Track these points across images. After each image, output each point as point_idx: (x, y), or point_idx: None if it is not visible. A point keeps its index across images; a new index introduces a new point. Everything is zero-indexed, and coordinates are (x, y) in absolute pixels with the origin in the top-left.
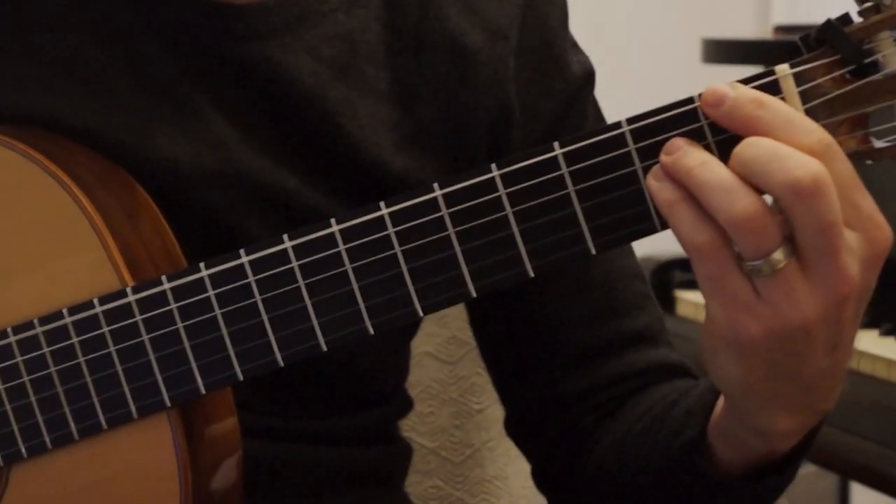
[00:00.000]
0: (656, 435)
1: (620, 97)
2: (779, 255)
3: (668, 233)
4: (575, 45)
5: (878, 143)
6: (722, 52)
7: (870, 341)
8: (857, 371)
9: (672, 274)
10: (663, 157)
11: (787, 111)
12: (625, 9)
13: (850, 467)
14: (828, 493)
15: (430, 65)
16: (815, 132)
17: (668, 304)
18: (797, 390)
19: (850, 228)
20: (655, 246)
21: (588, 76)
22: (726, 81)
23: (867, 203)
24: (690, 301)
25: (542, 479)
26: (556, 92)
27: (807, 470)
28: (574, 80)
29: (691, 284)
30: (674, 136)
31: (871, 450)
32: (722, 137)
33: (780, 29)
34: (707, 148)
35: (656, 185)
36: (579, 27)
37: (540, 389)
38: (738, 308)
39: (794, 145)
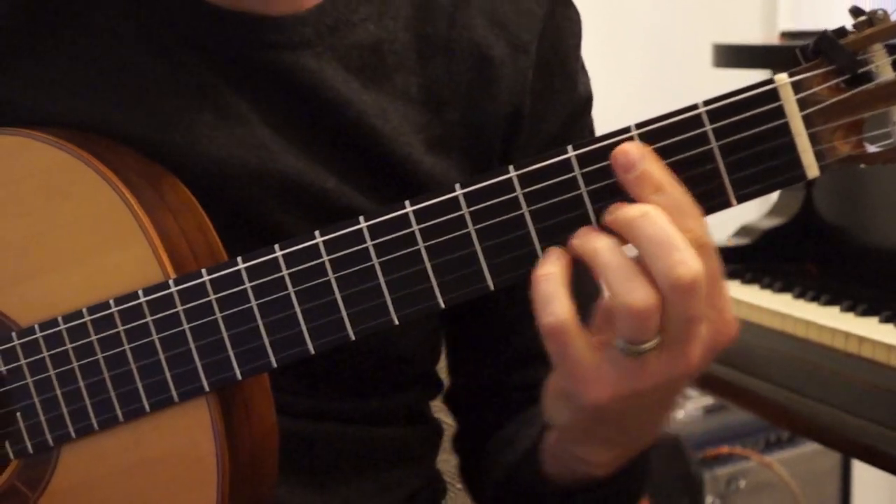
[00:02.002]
0: (516, 439)
1: (634, 99)
2: (654, 342)
3: None
4: (583, 66)
5: (872, 148)
6: (731, 56)
7: (870, 328)
8: (859, 356)
9: None
10: (572, 241)
11: (679, 201)
12: (639, 15)
13: (851, 446)
14: (830, 471)
15: (457, 72)
16: (692, 230)
17: None
18: (616, 432)
19: (710, 312)
20: None
21: (589, 98)
22: (639, 148)
23: (724, 300)
24: None
25: (457, 443)
26: (562, 107)
27: (811, 448)
28: (578, 100)
29: None
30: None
31: (871, 430)
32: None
33: (786, 35)
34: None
35: (542, 262)
36: (596, 33)
37: (485, 374)
38: (589, 379)
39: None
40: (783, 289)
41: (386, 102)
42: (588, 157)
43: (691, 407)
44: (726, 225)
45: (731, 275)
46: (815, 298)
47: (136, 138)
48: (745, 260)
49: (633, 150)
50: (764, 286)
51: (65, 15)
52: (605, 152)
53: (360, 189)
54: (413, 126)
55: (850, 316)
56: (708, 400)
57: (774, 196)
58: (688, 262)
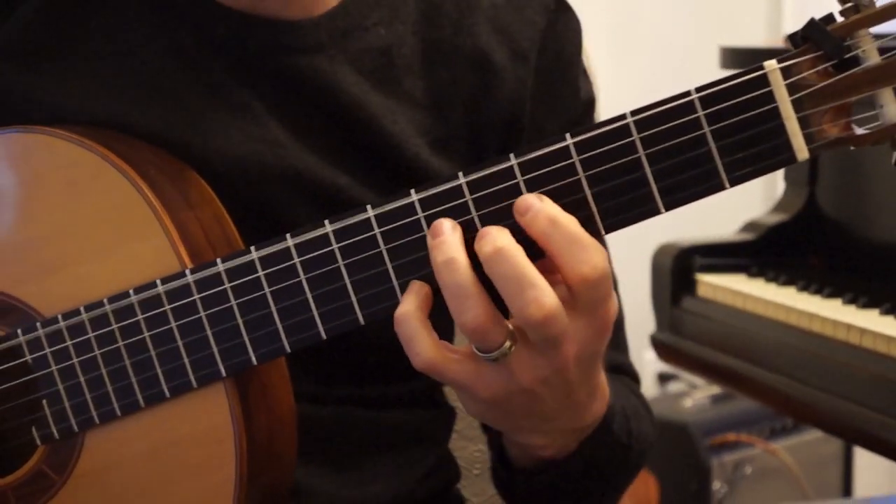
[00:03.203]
0: None
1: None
2: (506, 347)
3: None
4: (585, 72)
5: (860, 131)
6: (738, 58)
7: (871, 320)
8: (860, 346)
9: (693, 259)
10: (428, 240)
11: (574, 234)
12: (649, 18)
13: (853, 433)
14: (833, 457)
15: (461, 76)
16: (590, 261)
17: (690, 286)
18: (538, 422)
19: (582, 318)
20: (678, 233)
21: (591, 102)
22: (535, 194)
23: (610, 305)
24: (710, 283)
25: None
26: (562, 112)
27: (814, 435)
28: (580, 105)
29: (710, 268)
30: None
31: (872, 417)
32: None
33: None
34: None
35: (402, 298)
36: (607, 36)
37: None
38: (463, 387)
39: (569, 265)
40: (787, 282)
41: (394, 104)
42: (585, 144)
43: (699, 396)
44: (733, 221)
45: (738, 269)
46: (818, 291)
47: (154, 136)
48: (751, 254)
49: (527, 198)
50: (769, 280)
51: (86, 17)
52: (603, 139)
53: (371, 186)
54: (419, 128)
55: (851, 308)
56: (715, 389)
57: (779, 193)
58: (539, 300)
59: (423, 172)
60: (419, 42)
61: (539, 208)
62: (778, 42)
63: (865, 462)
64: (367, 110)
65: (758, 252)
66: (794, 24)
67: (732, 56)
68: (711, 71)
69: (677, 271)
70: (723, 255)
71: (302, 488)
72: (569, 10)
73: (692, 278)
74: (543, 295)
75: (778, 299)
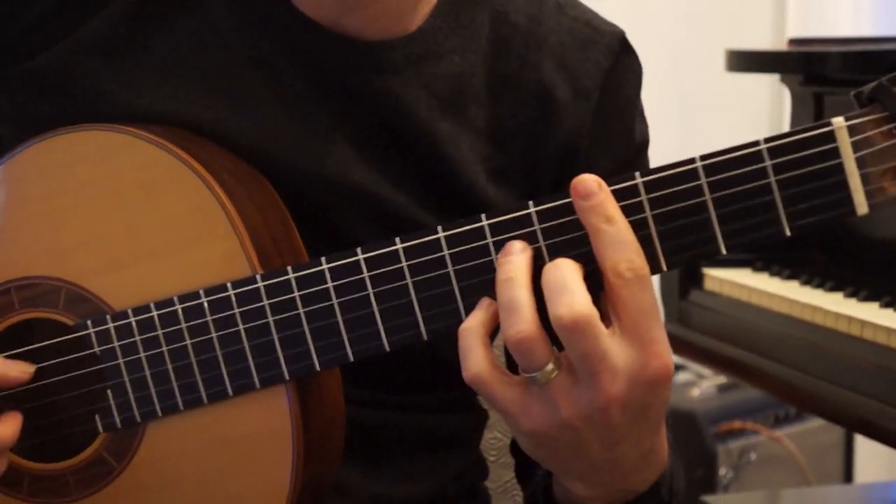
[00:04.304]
0: None
1: (654, 99)
2: (549, 369)
3: None
4: (642, 113)
5: None
6: (743, 61)
7: (871, 312)
8: (861, 338)
9: None
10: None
11: (624, 233)
12: (657, 22)
13: (854, 422)
14: (834, 444)
15: (523, 110)
16: (632, 260)
17: (697, 279)
18: (585, 469)
19: (628, 348)
20: None
21: (645, 144)
22: (597, 180)
23: (655, 332)
24: (716, 277)
25: (511, 447)
26: (617, 153)
27: (816, 423)
28: (634, 147)
29: (717, 262)
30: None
31: (872, 406)
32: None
33: (794, 41)
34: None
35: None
36: None
37: None
38: (509, 413)
39: (611, 261)
40: (791, 276)
41: (459, 131)
42: (654, 184)
43: (706, 385)
44: None
45: (743, 263)
46: (820, 285)
47: (228, 140)
48: (756, 250)
49: (591, 181)
50: (773, 274)
51: (171, 18)
52: (672, 180)
53: (428, 207)
54: (479, 156)
55: (852, 301)
56: (721, 379)
57: None
58: (571, 304)
59: (479, 199)
60: (487, 73)
61: (600, 200)
62: (781, 45)
63: (866, 449)
64: (432, 134)
65: (763, 247)
66: (797, 27)
67: (738, 59)
68: (717, 73)
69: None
70: None
71: (340, 485)
72: (632, 54)
73: (699, 272)
74: (576, 300)
75: (782, 293)
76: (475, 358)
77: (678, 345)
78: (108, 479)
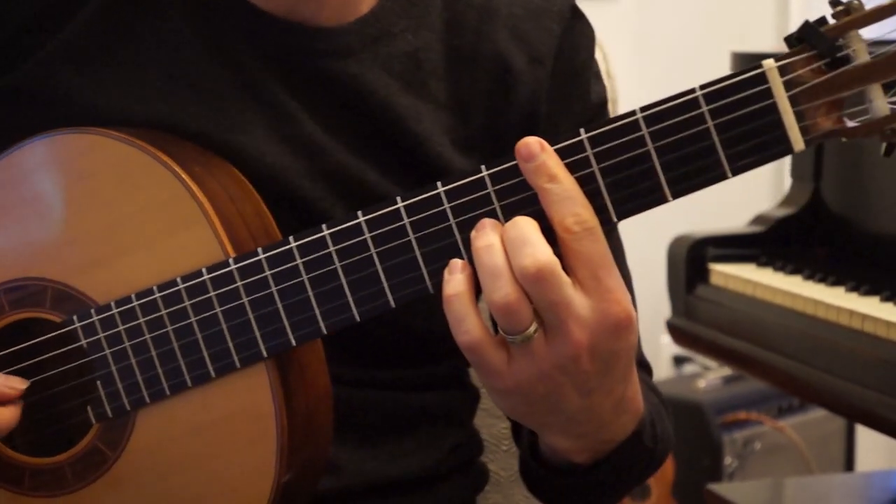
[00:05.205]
0: None
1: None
2: (531, 330)
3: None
4: (597, 74)
5: (851, 123)
6: (747, 63)
7: (872, 306)
8: (862, 331)
9: (706, 249)
10: (472, 232)
11: (570, 190)
12: (665, 25)
13: (855, 412)
14: (836, 434)
15: (481, 80)
16: (578, 214)
17: (703, 275)
18: (563, 420)
19: (588, 298)
20: (691, 226)
21: (603, 104)
22: (539, 142)
23: (611, 280)
24: (721, 272)
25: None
26: (576, 114)
27: (819, 414)
28: (591, 107)
29: (722, 258)
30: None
31: (872, 397)
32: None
33: None
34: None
35: (448, 278)
36: (628, 45)
37: None
38: (494, 373)
39: (559, 217)
40: (794, 271)
41: (420, 106)
42: (598, 139)
43: (712, 377)
44: (743, 214)
45: (748, 258)
46: (822, 280)
47: (198, 134)
48: (760, 245)
49: (533, 143)
50: (777, 269)
51: (135, 21)
52: (615, 133)
53: (398, 182)
54: (443, 128)
55: (853, 295)
56: (727, 371)
57: (786, 188)
58: (534, 255)
59: (447, 169)
60: (443, 48)
61: (542, 160)
62: (784, 47)
63: (866, 438)
64: (394, 111)
65: (766, 243)
66: None
67: (743, 61)
68: (723, 74)
69: (691, 261)
70: (734, 246)
71: (332, 464)
72: (582, 18)
73: (705, 267)
74: (538, 251)
75: (785, 287)
76: (470, 322)
77: (685, 338)
78: (104, 468)
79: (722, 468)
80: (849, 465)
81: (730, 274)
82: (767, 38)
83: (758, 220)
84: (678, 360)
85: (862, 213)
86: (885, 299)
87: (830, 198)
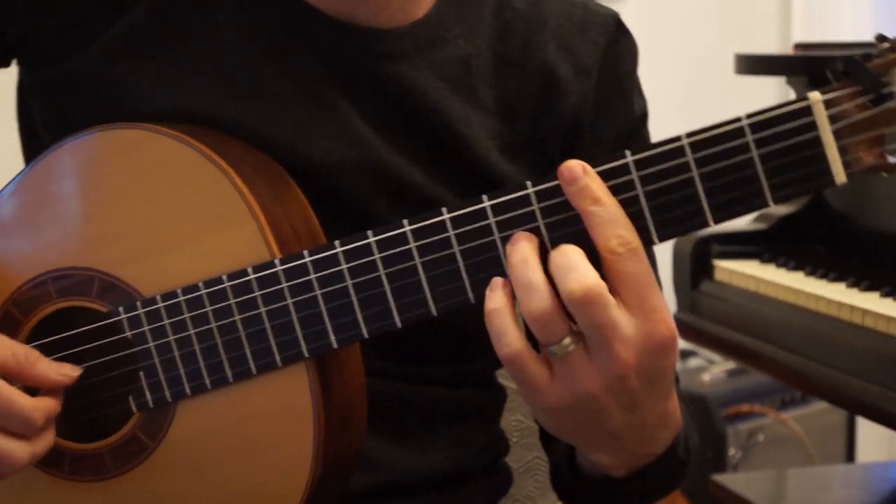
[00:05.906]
0: None
1: (669, 98)
2: (567, 342)
3: None
4: (639, 88)
5: (892, 159)
6: (751, 65)
7: (872, 302)
8: (862, 326)
9: (710, 246)
10: (507, 246)
11: (613, 213)
12: (670, 28)
13: (856, 404)
14: (837, 426)
15: (528, 88)
16: (622, 236)
17: (708, 271)
18: (606, 438)
19: (633, 318)
20: None
21: (644, 116)
22: (582, 165)
23: (655, 300)
24: (726, 268)
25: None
26: (619, 125)
27: (820, 406)
28: (633, 119)
29: (726, 255)
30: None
31: (873, 390)
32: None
33: (799, 46)
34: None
35: (490, 295)
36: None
37: None
38: (537, 389)
39: (603, 239)
40: (796, 267)
41: (469, 110)
42: (643, 162)
43: (716, 370)
44: None
45: (751, 255)
46: (823, 276)
47: (246, 131)
48: (764, 242)
49: (576, 166)
50: (779, 265)
51: (190, 18)
52: (660, 157)
53: (444, 184)
54: (490, 133)
55: (854, 291)
56: (731, 364)
57: None
58: (581, 280)
59: (492, 174)
60: (492, 55)
61: (585, 183)
62: (787, 49)
63: (867, 431)
64: (444, 114)
65: (769, 240)
66: (802, 33)
67: (746, 62)
68: (727, 75)
69: (696, 257)
70: (738, 243)
71: (369, 457)
72: (627, 34)
73: (710, 264)
74: (584, 275)
75: (787, 283)
76: (511, 336)
77: (690, 332)
78: (142, 456)
79: (726, 459)
80: (850, 456)
81: (734, 270)
82: (771, 40)
83: (761, 217)
84: (683, 354)
85: (862, 211)
86: (885, 295)
87: (832, 196)
